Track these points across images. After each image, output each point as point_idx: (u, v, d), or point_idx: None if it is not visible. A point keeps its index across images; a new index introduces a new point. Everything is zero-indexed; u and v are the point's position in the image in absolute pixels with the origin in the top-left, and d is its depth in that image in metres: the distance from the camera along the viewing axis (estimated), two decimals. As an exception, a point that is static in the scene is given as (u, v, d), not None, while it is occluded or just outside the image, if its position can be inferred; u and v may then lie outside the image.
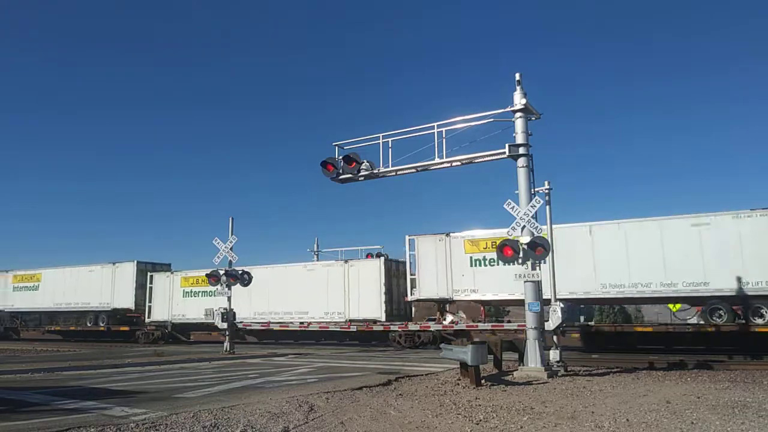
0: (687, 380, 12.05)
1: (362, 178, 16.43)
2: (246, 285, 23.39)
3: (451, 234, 23.47)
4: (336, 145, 16.61)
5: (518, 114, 14.07)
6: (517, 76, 14.08)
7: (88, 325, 35.22)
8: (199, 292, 30.55)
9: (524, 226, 13.36)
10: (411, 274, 24.13)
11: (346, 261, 26.85)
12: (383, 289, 25.00)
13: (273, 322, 27.97)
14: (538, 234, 13.25)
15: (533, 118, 14.25)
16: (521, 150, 13.95)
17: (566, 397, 9.74)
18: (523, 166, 13.92)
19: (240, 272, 22.57)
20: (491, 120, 14.56)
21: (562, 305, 14.42)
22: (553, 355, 13.94)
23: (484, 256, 22.47)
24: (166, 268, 33.90)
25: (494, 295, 22.34)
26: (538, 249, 13.06)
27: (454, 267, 23.02)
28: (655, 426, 7.16)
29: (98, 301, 34.02)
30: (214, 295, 28.25)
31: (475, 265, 22.72)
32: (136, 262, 33.35)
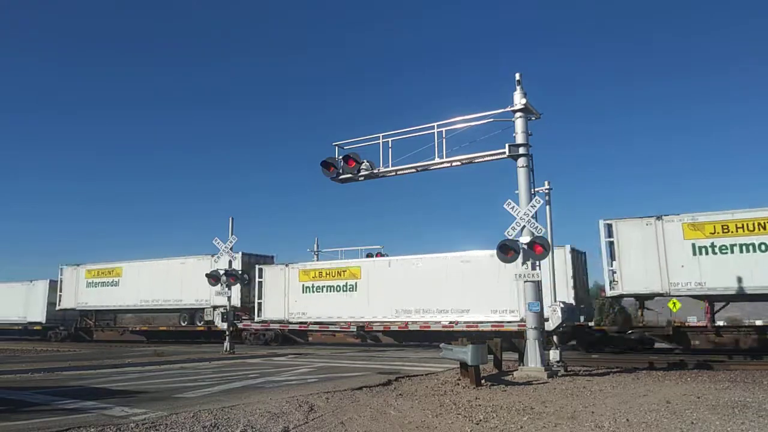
0: (687, 380, 12.05)
1: (362, 178, 16.43)
2: (245, 285, 23.40)
3: (663, 217, 19.95)
4: (336, 145, 16.62)
5: (518, 114, 14.08)
6: (517, 76, 14.09)
7: (182, 324, 31.49)
8: (323, 287, 26.86)
9: (524, 226, 13.37)
10: (609, 266, 20.59)
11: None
12: (571, 283, 21.10)
13: (421, 322, 23.87)
14: (538, 234, 13.25)
15: (533, 118, 14.26)
16: (521, 150, 13.96)
17: (566, 397, 9.74)
18: (523, 166, 13.93)
19: (240, 272, 22.61)
20: (491, 120, 14.57)
21: (562, 305, 14.44)
22: (553, 355, 13.95)
23: (712, 243, 19.12)
24: (269, 260, 30.46)
25: (725, 289, 18.90)
26: (538, 248, 13.07)
27: (669, 256, 19.63)
28: (655, 426, 7.16)
29: (194, 297, 30.03)
30: (345, 291, 25.97)
31: (700, 253, 19.27)
32: (241, 253, 28.68)
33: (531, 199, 13.59)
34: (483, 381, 11.45)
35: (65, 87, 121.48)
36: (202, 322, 30.41)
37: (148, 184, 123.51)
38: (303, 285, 27.35)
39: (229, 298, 22.77)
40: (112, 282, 33.80)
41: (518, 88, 14.03)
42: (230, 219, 22.71)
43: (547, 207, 15.22)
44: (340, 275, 26.43)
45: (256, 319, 28.22)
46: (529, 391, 10.58)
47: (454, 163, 15.32)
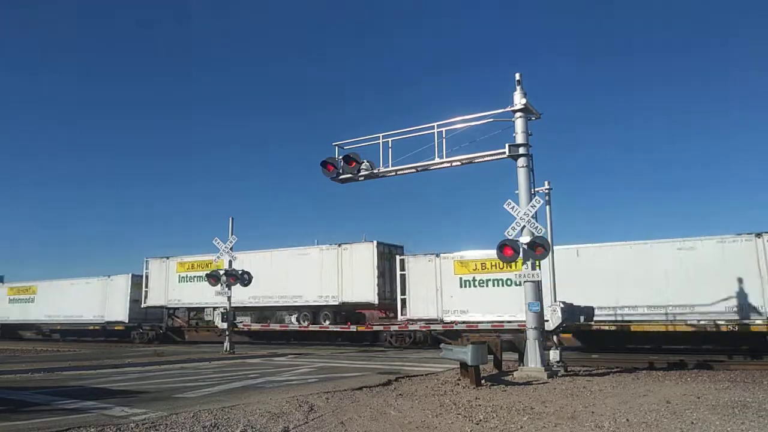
0: (687, 380, 12.05)
1: (362, 178, 16.44)
2: (246, 285, 23.36)
3: None
4: (336, 145, 16.63)
5: (518, 114, 14.09)
6: (517, 76, 14.10)
7: (301, 323, 27.42)
8: (487, 280, 22.68)
9: (524, 226, 13.38)
10: None
11: (758, 234, 18.85)
12: None
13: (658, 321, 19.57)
14: (538, 234, 13.26)
15: (533, 118, 14.27)
16: (521, 150, 13.96)
17: (566, 397, 9.75)
18: (523, 166, 13.93)
19: (240, 272, 22.59)
20: (491, 120, 14.58)
21: (562, 305, 14.44)
22: (553, 355, 13.95)
23: None
24: (400, 250, 26.42)
25: None
26: (538, 249, 13.07)
27: None
28: (655, 426, 7.17)
29: (316, 293, 26.35)
30: (519, 285, 21.97)
31: None
32: (376, 243, 25.35)
33: (531, 199, 13.60)
34: (483, 381, 11.45)
35: (66, 91, 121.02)
36: (328, 322, 26.71)
37: (149, 187, 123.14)
38: (461, 278, 23.18)
39: (229, 298, 22.73)
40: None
41: (518, 88, 14.03)
42: (230, 219, 22.71)
43: (547, 207, 15.22)
44: (511, 266, 22.19)
45: (400, 318, 24.44)
46: (529, 391, 10.58)
47: (454, 163, 15.33)
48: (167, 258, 31.84)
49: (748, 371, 13.89)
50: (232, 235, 22.42)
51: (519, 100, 14.00)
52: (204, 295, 29.06)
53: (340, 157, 16.36)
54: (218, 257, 23.70)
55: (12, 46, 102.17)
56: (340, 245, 26.32)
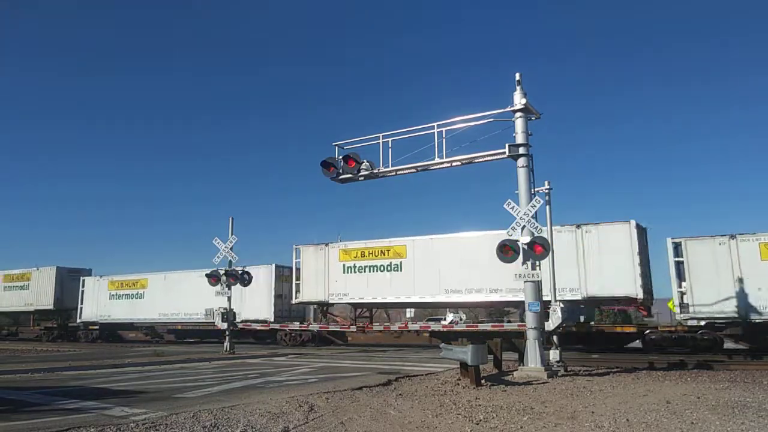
0: (687, 380, 12.06)
1: (362, 178, 16.44)
2: (246, 285, 23.35)
3: None
4: (336, 145, 16.63)
5: (518, 114, 14.09)
6: (517, 76, 14.11)
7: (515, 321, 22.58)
8: None
9: (524, 226, 13.38)
10: None
11: None
12: None
13: None
14: (538, 234, 13.26)
15: (533, 118, 14.27)
16: (521, 150, 13.96)
17: (566, 397, 9.75)
18: (523, 166, 13.93)
19: (240, 272, 22.58)
20: (491, 120, 14.58)
21: (562, 305, 14.46)
22: (553, 355, 13.97)
23: None
24: (645, 232, 21.33)
25: None
26: (538, 248, 13.08)
27: None
28: (655, 426, 7.17)
29: (546, 285, 19.47)
30: None
31: None
32: (634, 223, 20.28)
33: (531, 199, 13.60)
34: (483, 381, 11.46)
35: (68, 92, 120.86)
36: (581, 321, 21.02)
37: (150, 189, 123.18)
38: None
39: (229, 299, 22.68)
40: (390, 265, 24.62)
41: (518, 88, 14.04)
42: (230, 219, 22.67)
43: (547, 207, 15.22)
44: None
45: (679, 316, 19.35)
46: (529, 391, 10.59)
47: (454, 163, 15.33)
48: (326, 245, 26.76)
49: (748, 371, 13.90)
50: (232, 235, 22.38)
51: (519, 100, 14.00)
52: (379, 288, 24.87)
53: (340, 157, 16.36)
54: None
55: (12, 46, 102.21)
56: (578, 226, 21.07)
